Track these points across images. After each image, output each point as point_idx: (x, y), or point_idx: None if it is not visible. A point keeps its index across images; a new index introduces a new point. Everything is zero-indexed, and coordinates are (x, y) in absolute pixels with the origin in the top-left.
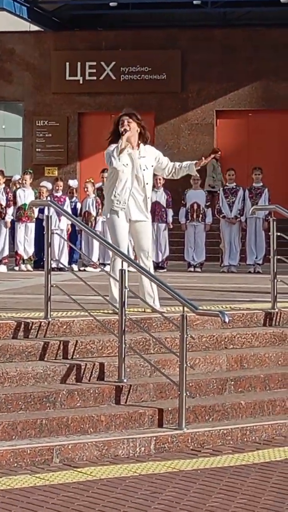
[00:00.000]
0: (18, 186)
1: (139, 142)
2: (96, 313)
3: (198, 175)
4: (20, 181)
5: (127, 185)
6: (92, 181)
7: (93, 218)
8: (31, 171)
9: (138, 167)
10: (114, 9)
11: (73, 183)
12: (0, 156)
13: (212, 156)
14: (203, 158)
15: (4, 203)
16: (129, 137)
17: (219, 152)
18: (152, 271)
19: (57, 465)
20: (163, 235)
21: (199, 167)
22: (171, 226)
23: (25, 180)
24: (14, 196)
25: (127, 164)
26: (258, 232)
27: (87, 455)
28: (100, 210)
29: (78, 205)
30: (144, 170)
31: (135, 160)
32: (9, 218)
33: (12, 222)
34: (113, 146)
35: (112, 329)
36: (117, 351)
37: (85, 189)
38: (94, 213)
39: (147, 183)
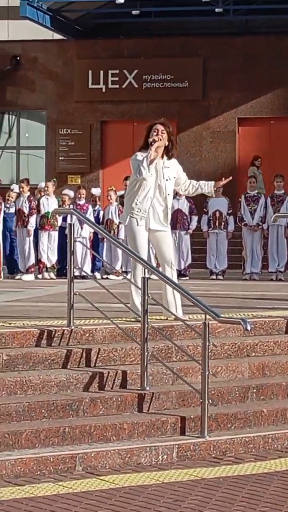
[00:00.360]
0: (42, 194)
1: (163, 153)
2: (119, 321)
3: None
4: (44, 189)
5: (149, 194)
6: (115, 189)
7: (115, 225)
8: (54, 179)
9: (161, 177)
10: (136, 17)
11: (96, 191)
12: (23, 165)
13: (229, 179)
14: (223, 178)
15: (27, 211)
16: (158, 147)
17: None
18: (175, 279)
19: (80, 473)
20: (185, 243)
21: (216, 189)
22: (191, 232)
23: (47, 188)
24: (38, 204)
25: (151, 174)
26: (280, 240)
27: (109, 463)
28: None
29: (101, 213)
30: (167, 180)
31: (159, 170)
32: (31, 227)
33: (36, 230)
34: (139, 154)
35: (135, 337)
36: (139, 359)
37: (108, 197)
38: (116, 221)
39: (168, 194)
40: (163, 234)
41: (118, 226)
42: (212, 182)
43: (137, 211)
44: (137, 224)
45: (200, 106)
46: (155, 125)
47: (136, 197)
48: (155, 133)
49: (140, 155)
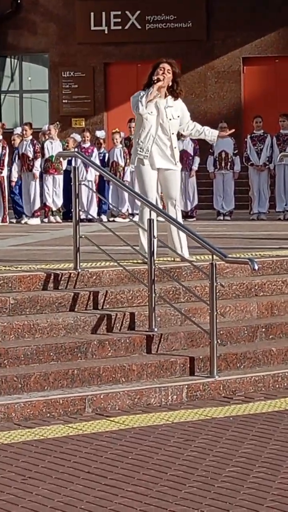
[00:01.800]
0: (46, 137)
1: (167, 93)
2: (126, 263)
3: (226, 125)
4: (48, 133)
5: (151, 132)
6: (119, 131)
7: (121, 168)
8: (58, 123)
9: (164, 116)
10: None
11: (100, 134)
12: (27, 108)
13: (232, 131)
14: (227, 130)
15: (31, 155)
16: (160, 87)
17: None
18: (180, 219)
19: (90, 415)
20: (191, 184)
21: (220, 139)
22: (193, 174)
23: (50, 132)
24: (42, 148)
25: (151, 112)
26: (287, 179)
27: (119, 404)
28: (128, 160)
29: (107, 156)
30: (170, 120)
31: (161, 109)
32: (36, 170)
33: (41, 174)
34: (141, 92)
35: (142, 279)
36: (147, 301)
37: (114, 140)
38: (122, 163)
39: (172, 133)
40: (171, 172)
41: (123, 168)
42: (216, 132)
43: (140, 150)
44: (143, 165)
45: (204, 46)
46: (161, 63)
47: (138, 136)
48: (160, 72)
49: (140, 93)
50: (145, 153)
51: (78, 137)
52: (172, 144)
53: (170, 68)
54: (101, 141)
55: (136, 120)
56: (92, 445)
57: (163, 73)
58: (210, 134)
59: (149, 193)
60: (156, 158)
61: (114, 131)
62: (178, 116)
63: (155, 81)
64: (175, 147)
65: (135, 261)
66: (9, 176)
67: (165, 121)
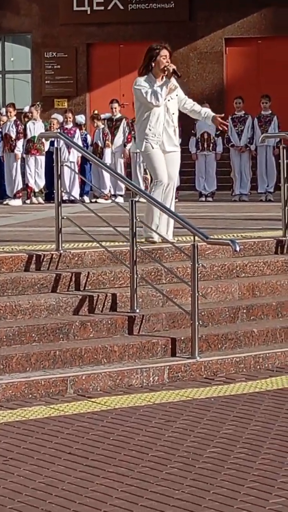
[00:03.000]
0: (28, 118)
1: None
2: (108, 244)
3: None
4: (30, 114)
5: (161, 118)
6: (97, 112)
7: (100, 149)
8: (39, 103)
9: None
10: None
11: (80, 118)
12: (9, 89)
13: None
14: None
15: (14, 136)
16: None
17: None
18: (173, 200)
19: (71, 396)
20: None
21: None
22: None
23: (31, 113)
24: (25, 129)
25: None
26: (269, 161)
27: (101, 385)
28: (107, 142)
29: (89, 138)
30: (169, 100)
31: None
32: (18, 151)
33: (22, 155)
34: (142, 81)
35: (124, 260)
36: (129, 282)
37: (94, 124)
38: (101, 144)
39: (173, 113)
40: (175, 154)
41: (102, 150)
42: (212, 114)
43: (152, 136)
44: (153, 148)
45: (187, 27)
46: (160, 49)
47: (149, 122)
48: (164, 60)
49: (143, 82)
50: (158, 138)
51: (60, 118)
52: (174, 124)
53: (169, 54)
54: (81, 125)
55: (141, 105)
56: (73, 426)
57: (167, 60)
58: (206, 116)
59: (163, 174)
60: (165, 142)
61: (92, 114)
62: (177, 95)
63: (172, 73)
64: (176, 127)
65: (119, 242)
66: None
67: (167, 103)
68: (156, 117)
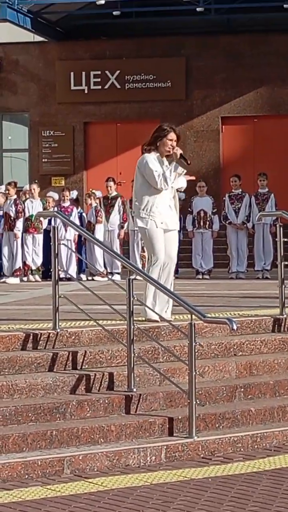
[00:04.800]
0: (27, 196)
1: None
2: (105, 322)
3: (204, 184)
4: (28, 192)
5: (166, 197)
6: (93, 191)
7: (92, 226)
8: (36, 182)
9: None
10: (118, 18)
11: (72, 194)
12: (7, 167)
13: (193, 178)
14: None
15: (13, 215)
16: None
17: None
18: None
19: (68, 476)
20: None
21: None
22: None
23: (33, 190)
24: (23, 207)
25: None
26: (266, 238)
27: (98, 465)
28: (99, 218)
29: (84, 215)
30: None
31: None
32: (17, 230)
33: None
34: (152, 159)
35: (121, 339)
36: (126, 361)
37: (88, 203)
38: (93, 222)
39: (174, 194)
40: (174, 232)
41: (94, 227)
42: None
43: (158, 214)
44: (157, 227)
45: (184, 106)
46: (169, 132)
47: (155, 200)
48: (170, 143)
49: (154, 161)
50: (164, 217)
51: (56, 195)
52: (175, 203)
53: (177, 138)
54: (75, 201)
55: (142, 184)
56: (70, 507)
57: (172, 144)
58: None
59: (161, 253)
60: (169, 221)
61: (86, 193)
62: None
63: (174, 156)
64: (177, 206)
65: (116, 320)
66: None
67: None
68: (163, 196)
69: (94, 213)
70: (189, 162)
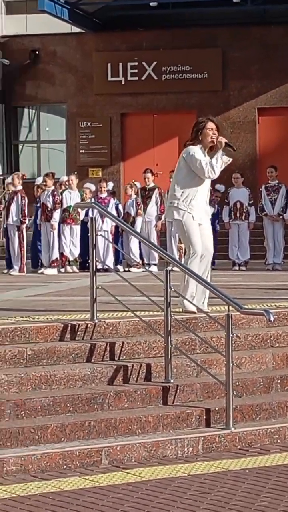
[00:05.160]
0: (64, 187)
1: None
2: (142, 313)
3: (239, 175)
4: (66, 183)
5: (205, 191)
6: (133, 182)
7: (132, 218)
8: (75, 173)
9: None
10: (154, 9)
11: (108, 186)
12: (44, 158)
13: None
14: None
15: (50, 206)
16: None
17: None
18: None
19: (106, 467)
20: None
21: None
22: None
23: (72, 181)
24: (61, 198)
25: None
26: None
27: (135, 456)
28: (139, 211)
29: (120, 207)
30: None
31: None
32: (54, 221)
33: (58, 224)
34: (197, 150)
35: (158, 330)
36: (163, 352)
37: (127, 193)
38: (133, 214)
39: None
40: (208, 225)
41: (134, 219)
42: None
43: (197, 208)
44: (193, 219)
45: (220, 97)
46: (206, 122)
47: (195, 194)
48: (211, 132)
49: (200, 152)
50: (200, 211)
51: (93, 187)
52: (208, 195)
53: (216, 126)
54: (112, 192)
55: (186, 174)
56: (108, 497)
57: (213, 133)
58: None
59: (198, 245)
60: (202, 214)
61: (127, 184)
62: None
63: (219, 145)
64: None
65: (153, 311)
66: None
67: None
68: (202, 189)
69: (135, 205)
70: (235, 148)
